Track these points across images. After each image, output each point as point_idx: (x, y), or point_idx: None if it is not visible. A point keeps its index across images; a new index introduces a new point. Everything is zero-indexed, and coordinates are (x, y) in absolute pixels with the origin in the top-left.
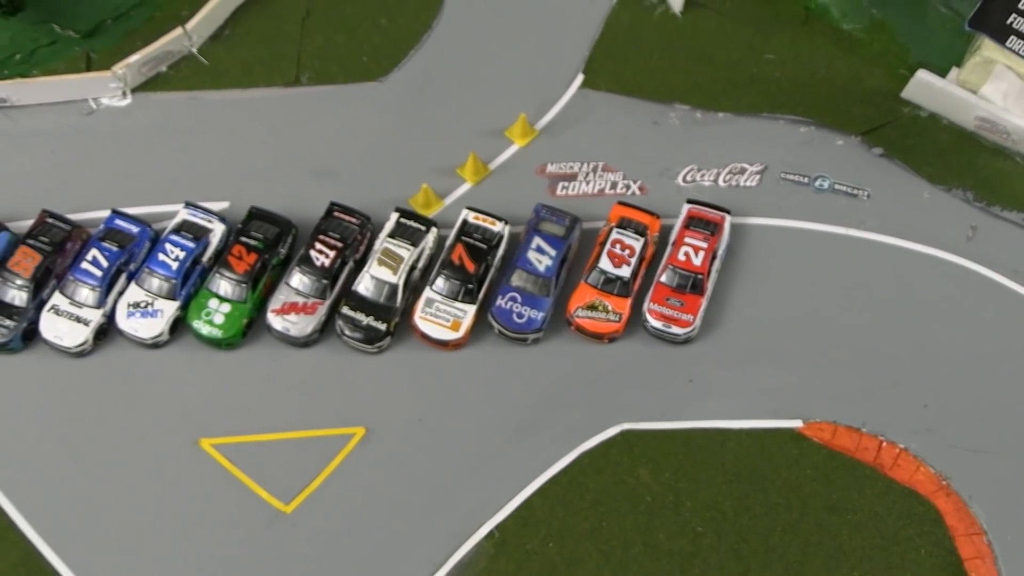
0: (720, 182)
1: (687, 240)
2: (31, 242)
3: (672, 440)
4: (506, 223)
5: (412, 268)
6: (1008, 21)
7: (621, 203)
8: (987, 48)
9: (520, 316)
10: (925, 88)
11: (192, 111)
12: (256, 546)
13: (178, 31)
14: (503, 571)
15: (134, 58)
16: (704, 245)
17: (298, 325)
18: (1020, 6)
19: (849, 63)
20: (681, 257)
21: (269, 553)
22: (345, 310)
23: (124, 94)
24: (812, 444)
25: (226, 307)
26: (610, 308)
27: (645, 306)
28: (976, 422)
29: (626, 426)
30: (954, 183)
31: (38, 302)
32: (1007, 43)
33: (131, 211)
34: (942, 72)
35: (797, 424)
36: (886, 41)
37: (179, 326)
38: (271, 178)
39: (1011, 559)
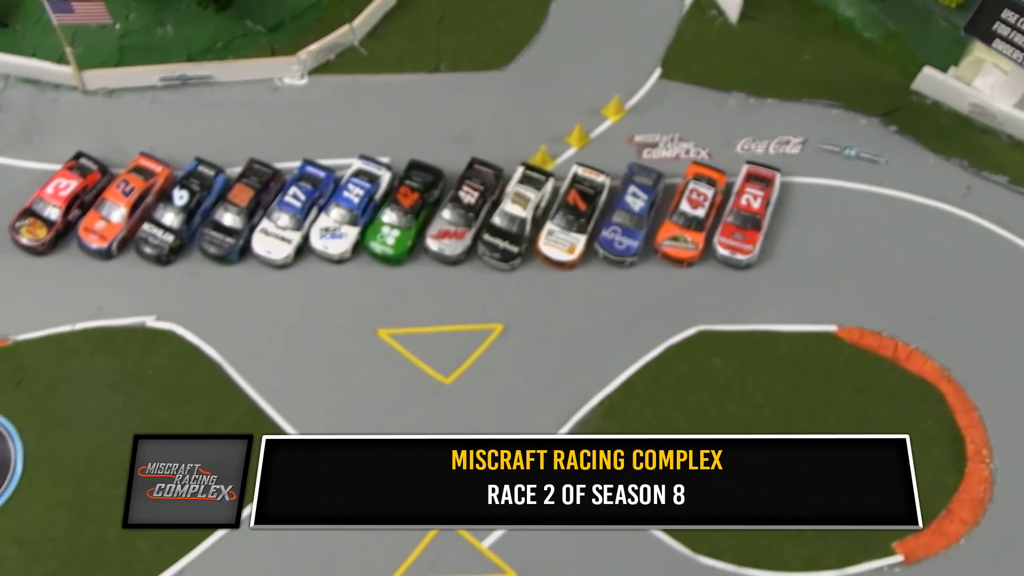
0: (770, 150)
1: (747, 190)
2: (245, 180)
3: (737, 339)
4: (608, 176)
5: (536, 207)
6: (993, 28)
7: (695, 163)
8: (978, 50)
9: (620, 244)
10: (930, 81)
11: (355, 90)
12: (423, 408)
13: (345, 28)
14: (611, 428)
15: (313, 47)
16: (761, 194)
17: (450, 247)
18: (1002, 16)
19: (870, 62)
20: (743, 202)
21: (434, 413)
22: (486, 237)
23: (302, 75)
24: (844, 343)
25: (395, 232)
26: (689, 240)
27: (715, 239)
28: (970, 330)
29: (702, 327)
30: (952, 154)
31: (250, 226)
32: (992, 45)
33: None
34: (943, 69)
35: (833, 328)
36: (899, 46)
37: (358, 247)
38: (419, 141)
39: (997, 427)
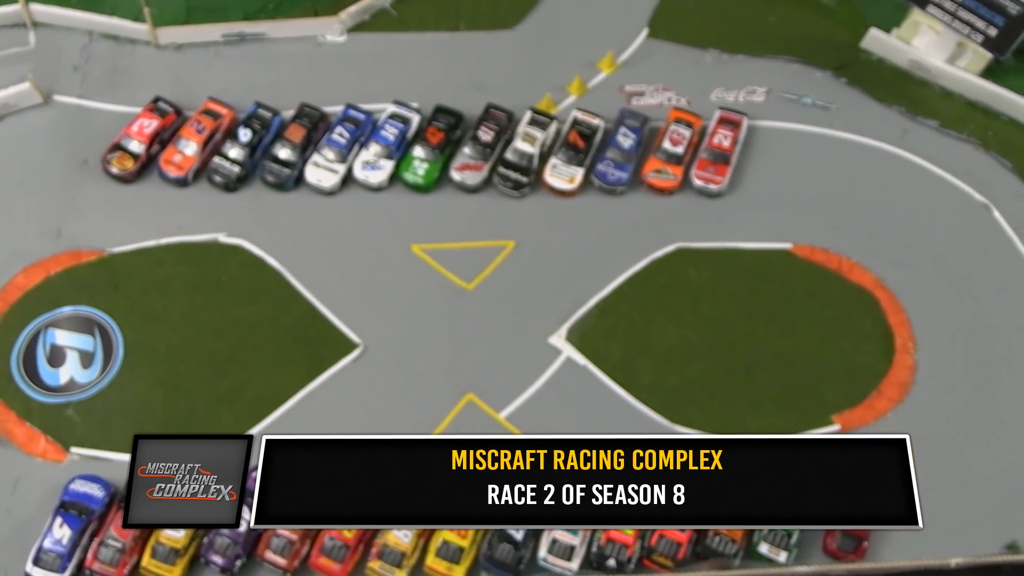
0: (739, 99)
1: (719, 131)
2: (298, 121)
3: (709, 254)
4: (602, 119)
5: (542, 145)
6: None
7: (676, 108)
8: (916, 14)
9: (612, 176)
10: (875, 41)
11: (388, 46)
12: (449, 309)
13: None
14: (604, 325)
15: (352, 8)
16: (730, 135)
17: (471, 178)
18: None
19: (826, 24)
20: (716, 141)
21: (459, 313)
22: (500, 169)
23: (342, 33)
24: (797, 258)
25: (425, 165)
26: (670, 172)
27: (692, 172)
28: (903, 248)
29: (680, 244)
30: (893, 102)
31: (303, 159)
32: (927, 9)
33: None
34: (887, 30)
35: (788, 246)
36: (851, 11)
37: (393, 177)
38: (442, 89)
39: (920, 326)
